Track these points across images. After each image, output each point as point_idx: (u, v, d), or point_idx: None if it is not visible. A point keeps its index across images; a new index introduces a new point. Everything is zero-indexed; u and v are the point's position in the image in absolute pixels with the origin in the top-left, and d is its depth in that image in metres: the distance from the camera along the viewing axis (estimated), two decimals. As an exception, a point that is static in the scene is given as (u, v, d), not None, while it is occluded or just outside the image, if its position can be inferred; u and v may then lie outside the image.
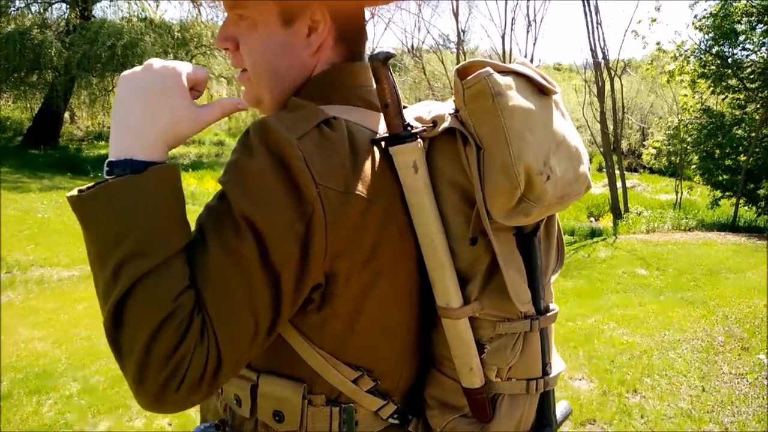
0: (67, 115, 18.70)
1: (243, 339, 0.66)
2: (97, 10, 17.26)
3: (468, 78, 0.70)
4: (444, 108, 0.76)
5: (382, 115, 0.79)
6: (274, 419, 0.76)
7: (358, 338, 0.75)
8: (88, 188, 0.65)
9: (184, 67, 0.72)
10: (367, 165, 0.72)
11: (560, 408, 0.91)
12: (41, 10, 16.46)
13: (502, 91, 0.69)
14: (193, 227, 0.70)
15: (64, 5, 16.84)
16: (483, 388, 0.78)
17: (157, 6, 18.37)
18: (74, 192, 0.65)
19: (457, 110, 0.73)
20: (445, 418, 0.81)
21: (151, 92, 0.68)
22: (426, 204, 0.72)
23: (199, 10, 18.25)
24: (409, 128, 0.73)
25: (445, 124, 0.72)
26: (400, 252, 0.74)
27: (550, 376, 0.83)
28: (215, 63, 17.79)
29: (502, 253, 0.74)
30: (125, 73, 0.70)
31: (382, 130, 0.77)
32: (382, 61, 0.71)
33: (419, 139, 0.72)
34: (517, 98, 0.70)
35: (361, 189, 0.69)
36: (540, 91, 0.76)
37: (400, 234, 0.74)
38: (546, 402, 0.85)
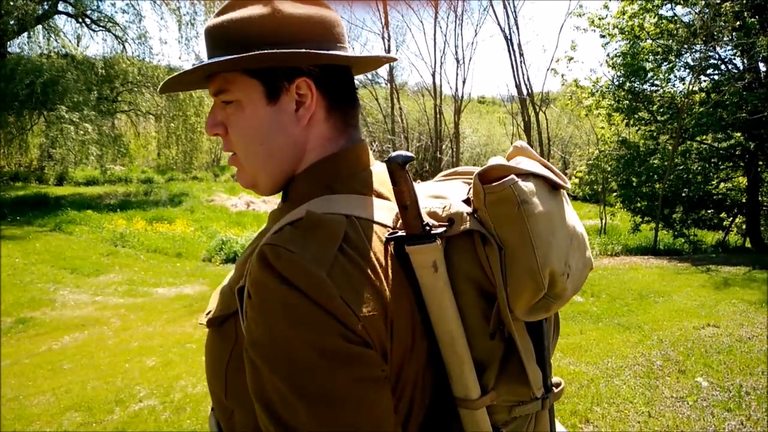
0: (-22, 155, 17.59)
1: None
2: (13, 47, 16.48)
3: (493, 184, 0.71)
4: (458, 203, 0.77)
5: (387, 202, 0.79)
6: None
7: None
8: None
9: None
10: (390, 272, 0.71)
11: None
12: (-50, 46, 15.57)
13: (527, 199, 0.71)
14: None
15: (-25, 41, 15.99)
16: None
17: (78, 42, 17.79)
18: None
19: (474, 209, 0.74)
20: None
21: None
22: (446, 302, 0.72)
23: (123, 46, 17.83)
24: (427, 228, 0.72)
25: (465, 226, 0.73)
26: (419, 353, 0.74)
27: None
28: (143, 100, 17.35)
29: (523, 346, 0.76)
30: None
31: (389, 219, 0.76)
32: (401, 164, 0.71)
33: (438, 239, 0.72)
34: (540, 204, 0.72)
35: (392, 306, 0.70)
36: (552, 186, 0.79)
37: (420, 335, 0.74)
38: None
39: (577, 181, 15.88)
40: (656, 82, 13.40)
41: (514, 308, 0.73)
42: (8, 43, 15.87)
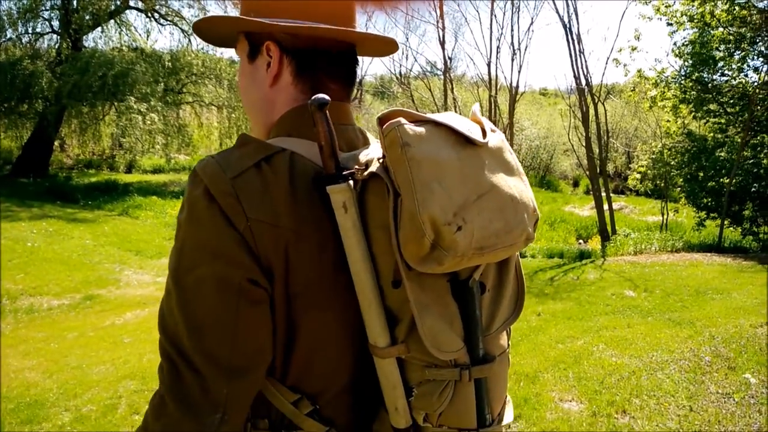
0: (56, 143, 18.70)
1: None
2: (88, 41, 17.43)
3: (383, 126, 0.72)
4: (378, 150, 0.78)
5: (341, 154, 0.82)
6: None
7: (296, 365, 0.79)
8: None
9: None
10: (304, 200, 0.77)
11: None
12: (32, 41, 16.60)
13: (410, 142, 0.70)
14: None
15: (55, 36, 16.99)
16: (408, 429, 0.79)
17: (148, 36, 18.60)
18: None
19: (383, 155, 0.74)
20: None
21: None
22: (353, 244, 0.75)
23: (189, 40, 18.48)
24: (340, 170, 0.76)
25: (371, 169, 0.74)
26: (337, 284, 0.78)
27: (490, 427, 0.81)
28: (206, 91, 17.95)
29: (419, 299, 0.74)
30: None
31: None
32: (318, 106, 0.74)
33: (350, 181, 0.75)
34: (427, 149, 0.71)
35: (291, 223, 0.75)
36: (468, 141, 0.76)
37: (334, 267, 0.77)
38: None
39: (639, 176, 15.36)
40: (727, 72, 12.72)
41: (406, 256, 0.72)
42: (83, 37, 16.81)
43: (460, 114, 0.83)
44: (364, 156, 0.79)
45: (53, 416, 3.52)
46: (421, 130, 0.72)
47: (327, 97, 0.75)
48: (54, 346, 5.23)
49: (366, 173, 0.75)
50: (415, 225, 0.69)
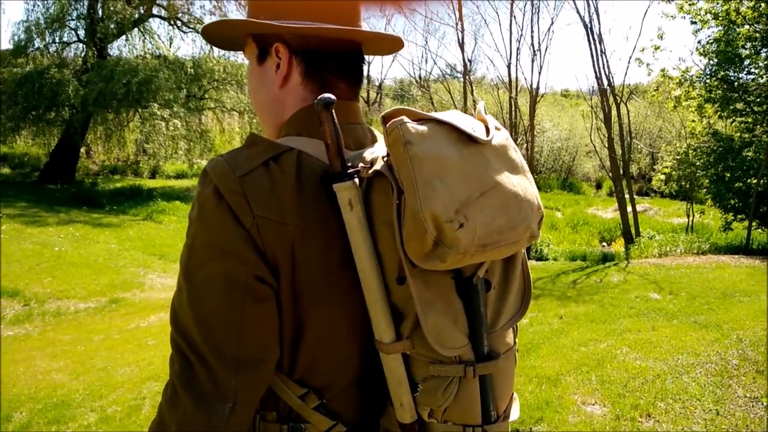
0: (83, 150, 19.07)
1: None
2: (113, 49, 17.77)
3: (387, 125, 0.73)
4: (383, 148, 0.79)
5: (348, 152, 0.83)
6: None
7: (303, 359, 0.81)
8: None
9: None
10: (311, 198, 0.78)
11: None
12: (59, 50, 16.99)
13: (412, 140, 0.71)
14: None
15: (81, 45, 17.36)
16: (413, 424, 0.80)
17: (171, 43, 18.89)
18: None
19: (388, 153, 0.75)
20: None
21: None
22: (359, 240, 0.76)
23: (211, 47, 18.73)
24: (346, 168, 0.77)
25: (376, 167, 0.75)
26: (343, 280, 0.79)
27: (495, 424, 0.82)
28: (227, 97, 18.15)
29: (423, 296, 0.75)
30: None
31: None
32: (324, 105, 0.75)
33: (355, 179, 0.76)
34: (429, 147, 0.71)
35: (298, 221, 0.76)
36: (471, 139, 0.76)
37: (341, 264, 0.79)
38: None
39: (663, 177, 15.10)
40: (753, 70, 12.46)
41: (409, 253, 0.72)
42: (108, 45, 17.15)
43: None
44: (369, 154, 0.80)
45: (79, 416, 3.58)
46: (423, 128, 0.73)
47: (333, 97, 0.76)
48: (80, 348, 5.32)
49: (371, 171, 0.76)
50: (417, 222, 0.70)
